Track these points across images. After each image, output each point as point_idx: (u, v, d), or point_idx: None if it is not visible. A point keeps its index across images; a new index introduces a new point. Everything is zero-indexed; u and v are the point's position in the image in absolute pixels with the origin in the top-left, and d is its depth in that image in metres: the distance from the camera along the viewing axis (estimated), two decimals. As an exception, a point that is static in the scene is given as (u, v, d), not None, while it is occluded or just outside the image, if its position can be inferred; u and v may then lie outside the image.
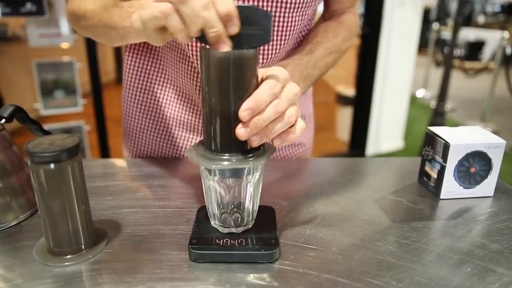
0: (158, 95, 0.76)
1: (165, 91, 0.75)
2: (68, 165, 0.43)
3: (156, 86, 0.76)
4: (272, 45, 0.64)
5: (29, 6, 1.67)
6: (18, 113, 0.57)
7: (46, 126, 0.62)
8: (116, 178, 0.68)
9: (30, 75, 1.92)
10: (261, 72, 0.45)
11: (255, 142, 0.42)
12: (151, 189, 0.64)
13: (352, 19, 0.73)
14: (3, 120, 0.55)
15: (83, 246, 0.47)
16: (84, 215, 0.46)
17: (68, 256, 0.46)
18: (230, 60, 0.40)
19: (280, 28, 0.63)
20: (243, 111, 0.40)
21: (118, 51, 4.79)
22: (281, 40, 0.65)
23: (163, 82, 0.75)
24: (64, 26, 1.82)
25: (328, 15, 0.74)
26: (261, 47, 0.63)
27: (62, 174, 0.43)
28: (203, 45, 0.42)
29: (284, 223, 0.54)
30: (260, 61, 0.63)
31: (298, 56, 0.63)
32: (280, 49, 0.66)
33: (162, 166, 0.73)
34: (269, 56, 0.66)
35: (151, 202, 0.60)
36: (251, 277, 0.43)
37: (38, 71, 1.87)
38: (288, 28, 0.64)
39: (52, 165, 0.42)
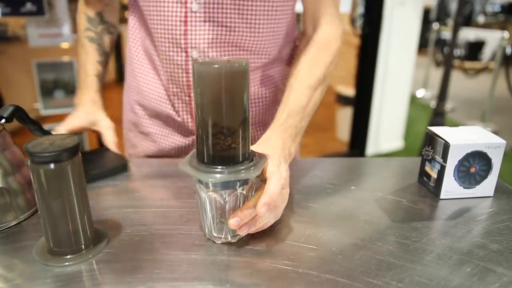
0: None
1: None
2: (68, 165, 0.43)
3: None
4: (246, 34, 0.69)
5: (29, 6, 1.67)
6: (18, 113, 0.57)
7: (46, 126, 0.62)
8: (116, 178, 0.68)
9: (30, 75, 1.92)
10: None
11: (243, 232, 0.47)
12: (151, 189, 0.64)
13: (330, 34, 0.69)
14: (3, 120, 0.55)
15: (83, 246, 0.47)
16: (84, 215, 0.46)
17: (68, 256, 0.46)
18: (222, 74, 0.41)
19: (247, 16, 0.67)
20: (261, 207, 0.44)
21: (118, 51, 4.78)
22: (253, 28, 0.68)
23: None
24: (64, 26, 1.81)
25: (306, 27, 0.72)
26: (237, 38, 0.69)
27: (62, 174, 0.43)
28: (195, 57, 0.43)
29: (284, 223, 0.54)
30: (246, 46, 0.70)
31: (282, 121, 0.60)
32: (256, 37, 0.69)
33: (162, 166, 0.73)
34: (248, 44, 0.70)
35: (151, 202, 0.60)
36: (251, 277, 0.43)
37: (38, 71, 1.87)
38: (254, 15, 0.67)
39: (52, 165, 0.42)
